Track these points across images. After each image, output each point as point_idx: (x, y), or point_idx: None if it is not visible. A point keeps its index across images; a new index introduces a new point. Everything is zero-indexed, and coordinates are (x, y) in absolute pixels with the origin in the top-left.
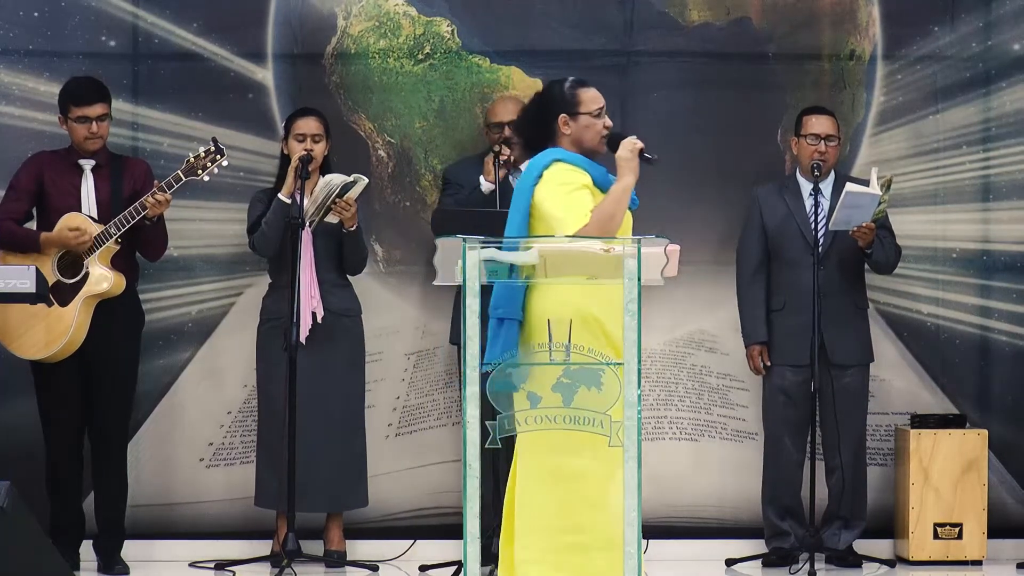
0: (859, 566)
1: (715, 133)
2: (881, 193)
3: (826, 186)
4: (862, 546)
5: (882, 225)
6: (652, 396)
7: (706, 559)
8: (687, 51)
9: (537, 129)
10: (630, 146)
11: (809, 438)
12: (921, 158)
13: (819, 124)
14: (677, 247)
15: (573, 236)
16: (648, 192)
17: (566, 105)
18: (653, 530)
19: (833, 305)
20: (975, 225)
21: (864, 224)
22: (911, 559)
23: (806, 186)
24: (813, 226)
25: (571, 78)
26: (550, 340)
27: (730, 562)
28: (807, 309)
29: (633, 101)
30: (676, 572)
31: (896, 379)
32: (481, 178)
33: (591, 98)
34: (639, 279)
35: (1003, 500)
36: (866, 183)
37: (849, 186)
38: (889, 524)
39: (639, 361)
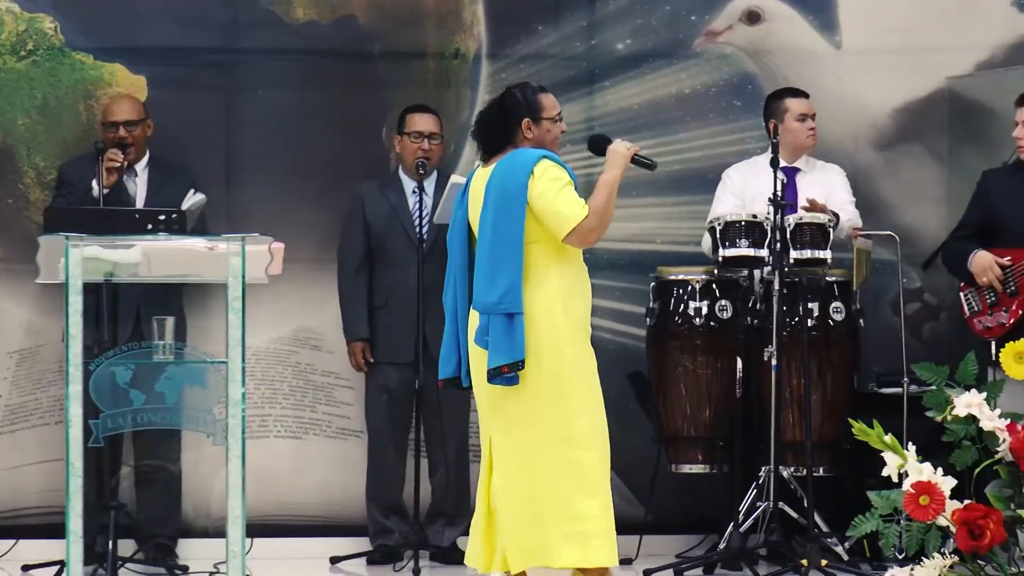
0: (463, 563)
1: (321, 131)
2: None
3: (429, 184)
4: (466, 543)
5: None
6: (257, 394)
7: (311, 557)
8: (293, 49)
9: (499, 132)
10: (627, 144)
11: (413, 436)
12: None
13: (422, 122)
14: (281, 245)
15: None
16: (252, 190)
17: (529, 111)
18: (259, 528)
19: (436, 302)
20: None
21: None
22: None
23: (409, 184)
24: (417, 223)
25: (530, 84)
26: (156, 338)
27: (335, 560)
28: (411, 306)
29: (238, 99)
30: (281, 570)
31: None
32: (93, 181)
33: (551, 104)
34: (243, 277)
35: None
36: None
37: (453, 178)
38: None
39: (243, 359)
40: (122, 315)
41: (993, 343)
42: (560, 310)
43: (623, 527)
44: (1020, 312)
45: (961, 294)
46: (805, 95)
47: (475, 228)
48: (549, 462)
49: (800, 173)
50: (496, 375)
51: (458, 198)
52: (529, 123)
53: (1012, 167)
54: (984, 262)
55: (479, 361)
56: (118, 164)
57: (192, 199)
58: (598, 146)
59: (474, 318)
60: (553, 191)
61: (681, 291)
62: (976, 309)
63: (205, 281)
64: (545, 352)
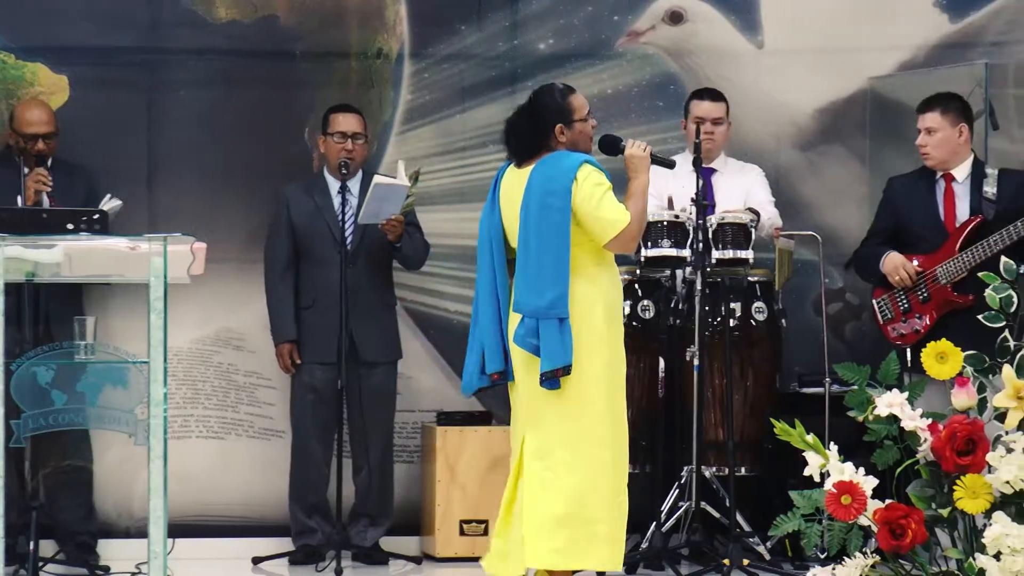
0: (386, 563)
1: (243, 131)
2: (409, 185)
3: (354, 184)
4: (389, 543)
5: (410, 222)
6: (179, 394)
7: (234, 557)
8: (215, 48)
9: (532, 139)
10: (642, 146)
11: (337, 436)
12: (449, 156)
13: (345, 122)
14: (204, 245)
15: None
16: (174, 190)
17: (560, 115)
18: (180, 529)
19: (362, 302)
20: None
21: (393, 216)
22: (438, 556)
23: (334, 184)
24: (341, 224)
25: (556, 86)
26: (76, 338)
27: (257, 560)
28: (336, 306)
29: (161, 99)
30: (203, 571)
31: (424, 376)
32: (19, 197)
33: (581, 104)
34: (165, 277)
35: None
36: (394, 176)
37: (377, 178)
38: (416, 521)
39: (165, 359)
40: (29, 316)
41: (908, 350)
42: (602, 311)
43: None
44: (935, 318)
45: (874, 301)
46: (711, 97)
47: (508, 229)
48: (576, 462)
49: (716, 174)
50: (549, 378)
51: (488, 201)
52: (562, 128)
53: (917, 173)
54: (896, 261)
55: (521, 364)
56: (48, 189)
57: (107, 204)
58: (611, 147)
59: (513, 320)
60: (596, 197)
61: None
62: (889, 316)
63: (127, 281)
64: (585, 352)
